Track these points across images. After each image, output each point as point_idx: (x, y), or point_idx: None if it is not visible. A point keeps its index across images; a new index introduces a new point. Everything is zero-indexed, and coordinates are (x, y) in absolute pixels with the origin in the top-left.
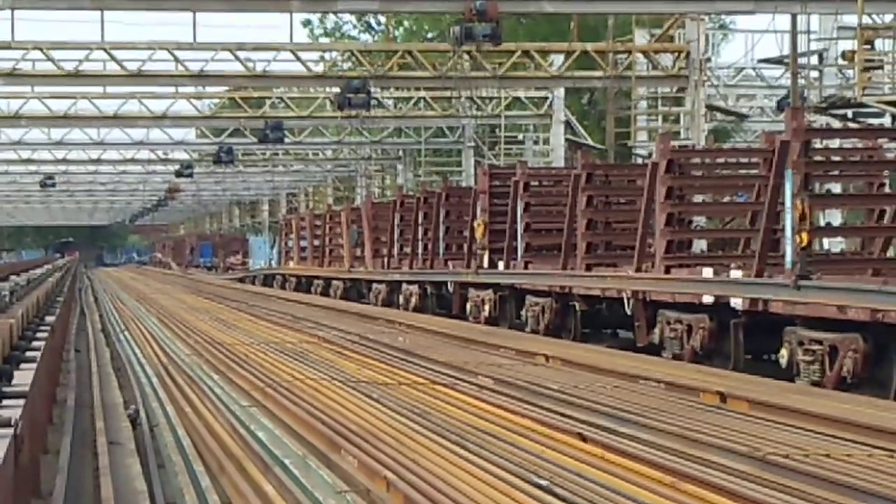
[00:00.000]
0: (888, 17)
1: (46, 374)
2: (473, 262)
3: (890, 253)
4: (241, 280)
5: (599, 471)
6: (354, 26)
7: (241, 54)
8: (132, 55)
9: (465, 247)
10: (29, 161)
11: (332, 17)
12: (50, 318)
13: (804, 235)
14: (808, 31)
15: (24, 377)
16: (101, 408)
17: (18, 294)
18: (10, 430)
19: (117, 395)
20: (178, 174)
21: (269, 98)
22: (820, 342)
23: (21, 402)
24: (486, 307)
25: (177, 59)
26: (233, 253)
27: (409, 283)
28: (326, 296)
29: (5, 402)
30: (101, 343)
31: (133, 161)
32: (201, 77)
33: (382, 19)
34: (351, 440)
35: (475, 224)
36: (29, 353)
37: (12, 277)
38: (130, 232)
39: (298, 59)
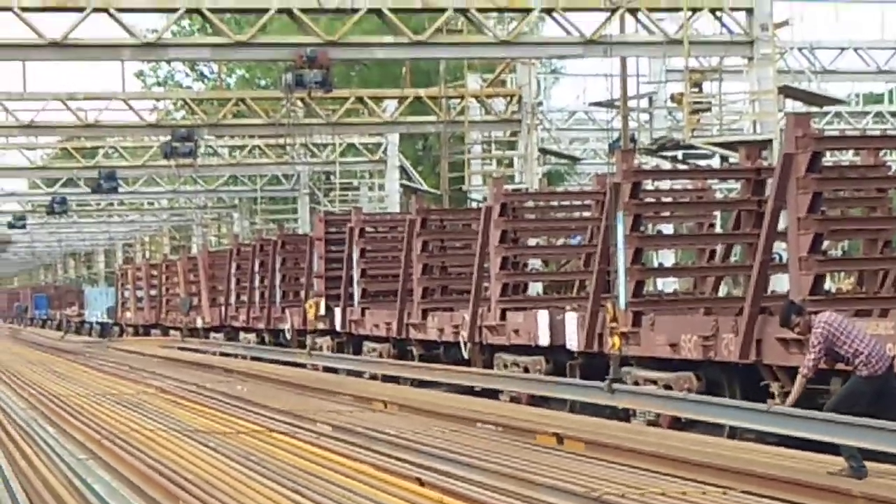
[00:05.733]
0: (715, 61)
1: None
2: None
3: (721, 292)
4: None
5: None
6: (187, 75)
7: (73, 104)
8: None
9: (302, 295)
10: None
11: (164, 66)
12: None
13: (616, 340)
14: (638, 75)
15: None
16: None
17: None
18: None
19: None
20: (11, 226)
21: (102, 147)
22: (655, 381)
23: None
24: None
25: (6, 110)
26: (69, 304)
27: (247, 330)
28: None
29: None
30: None
31: None
32: (32, 127)
33: (215, 67)
34: (188, 489)
35: (307, 306)
36: None
37: None
38: None
39: (131, 108)
